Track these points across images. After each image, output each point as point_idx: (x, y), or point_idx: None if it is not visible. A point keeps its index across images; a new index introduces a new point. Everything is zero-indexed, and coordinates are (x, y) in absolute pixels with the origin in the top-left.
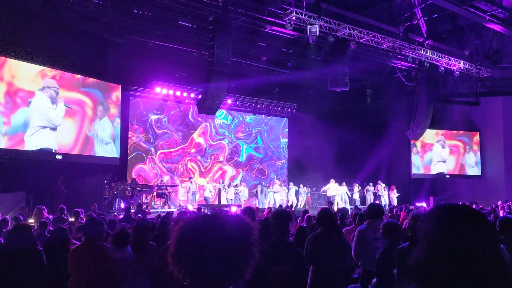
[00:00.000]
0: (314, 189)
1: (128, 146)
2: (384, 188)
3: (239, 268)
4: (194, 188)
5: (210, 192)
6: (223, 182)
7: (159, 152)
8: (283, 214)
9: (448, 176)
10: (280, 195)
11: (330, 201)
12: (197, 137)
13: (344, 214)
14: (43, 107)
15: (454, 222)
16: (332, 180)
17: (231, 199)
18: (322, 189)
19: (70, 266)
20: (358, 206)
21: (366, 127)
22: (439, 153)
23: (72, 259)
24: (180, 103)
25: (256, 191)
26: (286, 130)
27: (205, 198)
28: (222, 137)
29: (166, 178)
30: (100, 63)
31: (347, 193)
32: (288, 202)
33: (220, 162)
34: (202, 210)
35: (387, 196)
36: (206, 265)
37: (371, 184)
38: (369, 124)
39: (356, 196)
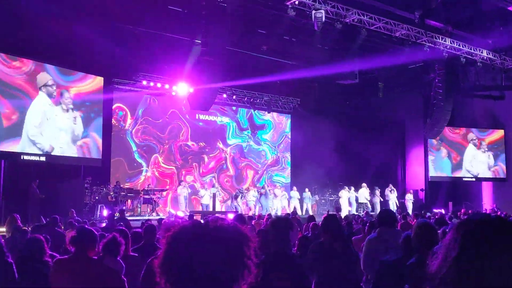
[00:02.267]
0: (320, 195)
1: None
2: (391, 191)
3: (232, 282)
4: (186, 192)
5: (211, 197)
6: (213, 186)
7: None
8: (282, 222)
9: (472, 179)
10: (281, 201)
11: (338, 207)
12: (188, 138)
13: (350, 221)
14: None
15: (489, 240)
16: (364, 185)
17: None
18: (347, 195)
19: (54, 281)
20: (370, 212)
21: (377, 124)
22: (473, 155)
23: (57, 273)
24: (169, 97)
25: (260, 194)
26: (288, 129)
27: (202, 205)
28: (218, 136)
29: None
30: (79, 54)
31: (360, 198)
32: (289, 207)
33: (218, 163)
34: (196, 217)
35: (395, 200)
36: (196, 277)
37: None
38: (381, 121)
39: (376, 200)
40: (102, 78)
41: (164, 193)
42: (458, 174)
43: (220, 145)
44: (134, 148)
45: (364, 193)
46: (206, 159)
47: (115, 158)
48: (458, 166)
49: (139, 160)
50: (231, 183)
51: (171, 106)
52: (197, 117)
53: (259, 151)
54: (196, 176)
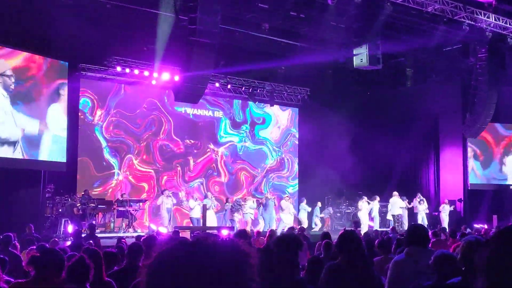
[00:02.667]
0: (334, 206)
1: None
2: (420, 201)
3: None
4: (171, 203)
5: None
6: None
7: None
8: (290, 240)
9: None
10: (288, 215)
11: (356, 222)
12: (172, 135)
13: (371, 239)
14: None
15: None
16: (396, 193)
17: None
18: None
19: None
20: (396, 229)
21: (404, 120)
22: None
23: None
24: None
25: (259, 204)
26: (295, 125)
27: (192, 220)
28: (208, 133)
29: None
30: (39, 34)
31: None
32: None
33: (207, 167)
34: (182, 234)
35: (425, 212)
36: None
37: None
38: (409, 116)
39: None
40: (66, 63)
41: (142, 204)
42: (505, 181)
43: (211, 146)
44: (104, 144)
45: (397, 202)
46: (192, 162)
47: (80, 157)
48: (504, 171)
49: (111, 160)
50: (223, 191)
51: (150, 96)
52: (183, 111)
53: (257, 152)
54: (180, 182)
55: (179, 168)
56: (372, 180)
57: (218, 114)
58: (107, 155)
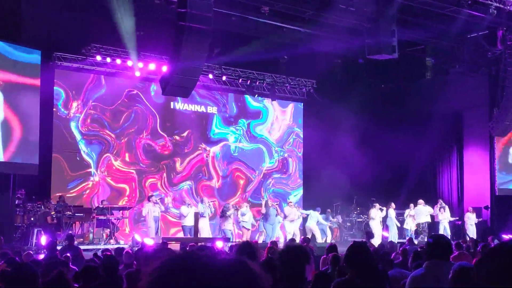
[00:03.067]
0: (344, 215)
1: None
2: (441, 209)
3: None
4: (158, 211)
5: (203, 217)
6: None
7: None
8: (295, 253)
9: None
10: (293, 223)
11: (369, 232)
12: (157, 131)
13: (386, 253)
14: None
15: None
16: (421, 202)
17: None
18: (407, 213)
19: None
20: (413, 240)
21: (423, 115)
22: None
23: None
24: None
25: (262, 214)
26: (298, 122)
27: (184, 229)
28: (198, 130)
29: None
30: (9, 20)
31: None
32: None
33: (197, 168)
34: (171, 246)
35: (447, 221)
36: None
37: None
38: (429, 112)
39: (410, 222)
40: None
41: (126, 212)
42: None
43: (202, 145)
44: (79, 138)
45: (423, 211)
46: (178, 165)
47: (54, 154)
48: None
49: (87, 158)
50: (213, 197)
51: (133, 89)
52: (171, 105)
53: (255, 152)
54: (166, 185)
55: (165, 169)
56: (386, 183)
57: (211, 109)
58: (83, 152)
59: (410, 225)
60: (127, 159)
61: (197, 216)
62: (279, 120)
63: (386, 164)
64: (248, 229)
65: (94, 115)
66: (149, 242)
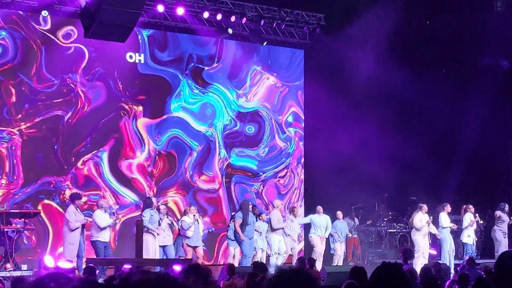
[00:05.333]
0: (362, 219)
1: None
2: (509, 213)
3: None
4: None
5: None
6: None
7: None
8: (294, 282)
9: None
10: (280, 237)
11: (406, 251)
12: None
13: (433, 278)
14: None
15: None
16: (505, 207)
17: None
18: (467, 220)
19: None
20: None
21: (482, 72)
22: None
23: None
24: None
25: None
26: (297, 77)
27: (95, 245)
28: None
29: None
30: None
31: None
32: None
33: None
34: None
35: None
36: None
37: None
38: (491, 61)
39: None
40: None
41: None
42: None
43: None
44: None
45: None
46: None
47: None
48: None
49: None
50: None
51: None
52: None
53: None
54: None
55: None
56: (430, 170)
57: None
58: None
59: (471, 237)
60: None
61: (141, 226)
62: (267, 75)
63: (427, 140)
64: (197, 247)
65: None
66: (66, 265)
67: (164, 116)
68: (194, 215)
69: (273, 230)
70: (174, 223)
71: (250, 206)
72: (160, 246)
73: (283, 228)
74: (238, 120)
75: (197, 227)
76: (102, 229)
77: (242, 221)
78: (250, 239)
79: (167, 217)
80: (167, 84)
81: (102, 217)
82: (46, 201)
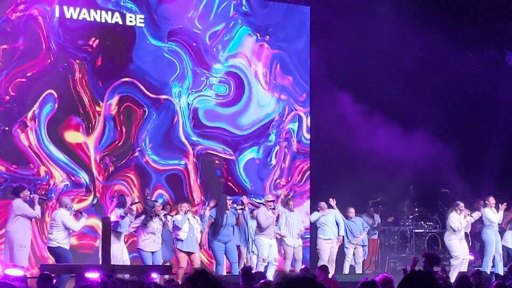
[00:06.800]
0: (383, 217)
1: None
2: None
3: None
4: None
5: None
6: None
7: None
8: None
9: None
10: (274, 240)
11: (432, 256)
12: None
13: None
14: None
15: None
16: None
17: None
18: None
19: None
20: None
21: None
22: None
23: None
24: None
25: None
26: (302, 42)
27: (56, 252)
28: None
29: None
30: None
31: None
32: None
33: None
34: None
35: None
36: None
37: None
38: None
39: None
40: None
41: None
42: None
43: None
44: None
45: None
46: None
47: None
48: None
49: None
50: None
51: None
52: (66, 14)
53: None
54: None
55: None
56: (465, 155)
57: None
58: None
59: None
60: None
61: (107, 223)
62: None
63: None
64: (189, 253)
65: None
66: (17, 273)
67: None
68: (185, 213)
69: (261, 230)
70: (169, 223)
71: (229, 202)
72: (150, 251)
73: (274, 228)
74: None
75: (192, 229)
76: (69, 233)
77: (214, 221)
78: (225, 243)
79: (160, 217)
80: None
81: (71, 219)
82: None
